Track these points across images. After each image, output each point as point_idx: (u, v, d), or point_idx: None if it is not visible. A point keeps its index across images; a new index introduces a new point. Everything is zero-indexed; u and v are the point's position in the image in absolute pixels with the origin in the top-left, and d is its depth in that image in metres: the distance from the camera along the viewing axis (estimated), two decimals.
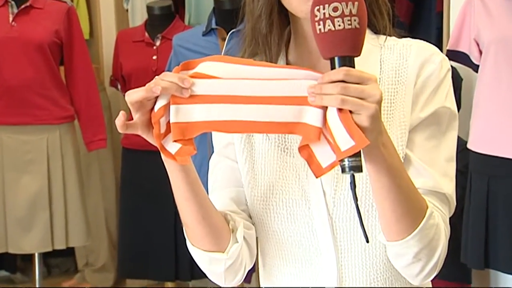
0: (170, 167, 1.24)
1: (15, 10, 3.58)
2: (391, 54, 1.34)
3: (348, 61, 1.12)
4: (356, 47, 1.12)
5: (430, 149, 1.31)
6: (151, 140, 1.19)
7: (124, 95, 4.02)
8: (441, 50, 3.33)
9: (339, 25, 1.10)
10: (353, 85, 1.07)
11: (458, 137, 3.17)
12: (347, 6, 1.10)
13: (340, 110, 1.08)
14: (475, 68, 3.00)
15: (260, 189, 1.37)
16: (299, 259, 1.38)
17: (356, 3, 1.11)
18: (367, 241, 1.18)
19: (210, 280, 1.40)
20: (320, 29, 1.11)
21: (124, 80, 4.01)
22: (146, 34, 3.93)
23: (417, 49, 1.33)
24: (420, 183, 1.27)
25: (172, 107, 1.15)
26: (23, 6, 3.58)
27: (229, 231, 1.33)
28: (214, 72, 1.16)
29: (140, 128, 1.18)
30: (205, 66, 1.17)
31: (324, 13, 1.11)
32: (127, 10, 4.61)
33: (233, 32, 2.99)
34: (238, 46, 1.41)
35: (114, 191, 4.52)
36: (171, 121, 1.15)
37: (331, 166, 1.13)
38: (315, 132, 1.13)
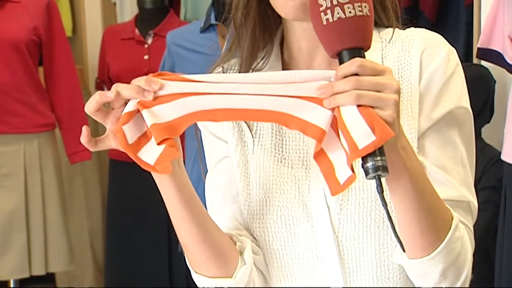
0: (161, 182, 1.24)
1: None
2: (393, 48, 1.35)
3: (358, 53, 1.12)
4: (367, 37, 1.13)
5: (448, 155, 1.30)
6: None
7: None
8: (471, 48, 3.36)
9: (350, 12, 1.11)
10: (368, 77, 1.08)
11: (491, 147, 3.16)
12: None
13: (359, 105, 1.07)
14: (510, 68, 3.00)
15: (256, 205, 1.36)
16: (302, 283, 1.37)
17: None
18: (404, 251, 1.17)
19: None
20: (327, 19, 1.12)
21: (112, 83, 4.01)
22: (137, 30, 3.95)
23: (420, 40, 1.33)
24: (443, 193, 1.26)
25: (144, 112, 1.15)
26: None
27: (236, 253, 1.31)
28: (193, 77, 1.16)
29: (113, 140, 1.18)
30: (183, 75, 1.18)
31: (331, 1, 1.11)
32: (114, 4, 4.64)
33: None
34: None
35: (100, 208, 4.52)
36: (149, 124, 1.15)
37: (349, 182, 1.12)
38: (316, 132, 1.12)
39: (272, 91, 1.14)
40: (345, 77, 1.09)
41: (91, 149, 1.20)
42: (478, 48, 3.08)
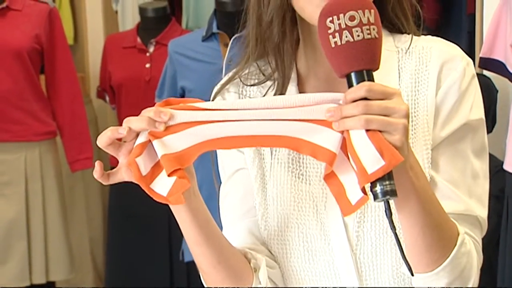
0: (176, 209, 1.23)
1: None
2: (409, 59, 1.34)
3: (367, 76, 1.12)
4: (376, 59, 1.13)
5: (457, 168, 1.31)
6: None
7: (113, 108, 4.02)
8: (473, 58, 3.35)
9: (358, 36, 1.11)
10: (377, 102, 1.08)
11: (493, 157, 3.15)
12: (364, 14, 1.11)
13: (368, 130, 1.07)
14: None
15: (274, 222, 1.35)
16: None
17: (372, 10, 1.12)
18: (412, 275, 1.16)
19: None
20: (335, 42, 1.11)
21: (113, 91, 4.02)
22: (138, 39, 3.95)
23: (438, 53, 1.33)
24: (450, 207, 1.27)
25: (155, 142, 1.15)
26: None
27: (250, 272, 1.31)
28: (202, 105, 1.16)
29: (125, 173, 1.19)
30: (191, 103, 1.17)
31: (339, 24, 1.11)
32: (116, 12, 4.63)
33: (236, 38, 2.99)
34: (240, 53, 1.41)
35: (101, 217, 4.52)
36: (159, 155, 1.15)
37: (361, 203, 1.12)
38: (327, 156, 1.12)
39: (281, 116, 1.13)
40: (354, 101, 1.09)
41: (104, 183, 1.20)
42: (480, 58, 3.08)
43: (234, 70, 1.40)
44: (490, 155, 3.14)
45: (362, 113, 1.07)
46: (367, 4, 1.13)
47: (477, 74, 3.13)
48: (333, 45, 1.12)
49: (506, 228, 2.97)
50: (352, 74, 1.12)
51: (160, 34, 3.91)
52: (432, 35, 1.40)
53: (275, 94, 1.35)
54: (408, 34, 1.36)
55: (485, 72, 3.15)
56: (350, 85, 1.12)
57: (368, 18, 1.11)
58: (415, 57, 1.34)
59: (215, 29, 3.24)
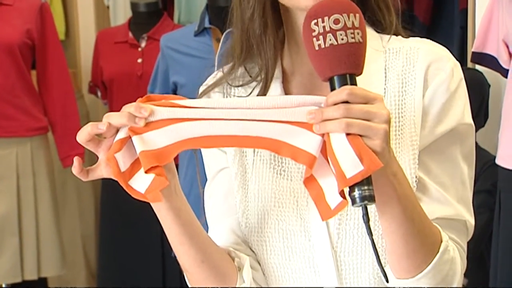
0: (157, 208, 1.23)
1: None
2: (396, 59, 1.33)
3: (350, 80, 1.12)
4: (359, 64, 1.12)
5: (447, 172, 1.30)
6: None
7: (105, 103, 4.02)
8: (466, 53, 3.37)
9: (342, 39, 1.10)
10: (358, 106, 1.07)
11: (486, 151, 3.16)
12: (349, 18, 1.11)
13: (348, 134, 1.07)
14: (505, 72, 3.00)
15: (254, 218, 1.34)
16: None
17: (357, 15, 1.12)
18: (387, 281, 1.16)
19: None
20: (319, 45, 1.11)
21: (105, 86, 4.03)
22: (130, 34, 3.95)
23: (425, 53, 1.32)
24: (440, 211, 1.27)
25: (134, 138, 1.14)
26: None
27: (235, 270, 1.30)
28: (183, 102, 1.15)
29: (104, 169, 1.18)
30: (173, 100, 1.17)
31: (323, 27, 1.11)
32: (108, 7, 4.63)
33: (228, 32, 2.99)
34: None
35: (93, 213, 4.52)
36: (138, 151, 1.14)
37: (340, 207, 1.11)
38: (307, 158, 1.12)
39: (263, 116, 1.13)
40: (336, 104, 1.08)
41: (83, 179, 1.20)
42: (473, 52, 3.09)
43: (221, 75, 1.39)
44: (483, 150, 3.16)
45: (342, 116, 1.07)
46: (352, 8, 1.12)
47: (470, 68, 3.16)
48: (317, 48, 1.12)
49: (498, 222, 2.98)
50: (335, 78, 1.12)
51: (152, 29, 3.91)
52: (425, 32, 1.39)
53: (259, 91, 1.35)
54: (389, 30, 1.35)
55: (478, 67, 3.16)
56: (332, 88, 1.12)
57: (353, 22, 1.11)
58: (402, 57, 1.32)
59: (207, 24, 3.24)
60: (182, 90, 3.27)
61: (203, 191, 1.43)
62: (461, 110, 1.31)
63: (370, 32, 1.33)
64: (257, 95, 1.34)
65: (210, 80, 1.41)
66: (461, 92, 1.31)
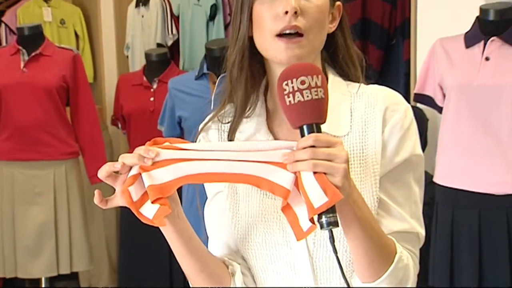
0: (164, 230, 1.22)
1: (26, 58, 3.59)
2: (360, 102, 1.31)
3: (316, 128, 1.11)
4: (322, 115, 1.12)
5: (403, 194, 1.28)
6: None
7: (124, 133, 3.98)
8: (409, 94, 3.38)
9: (308, 96, 1.10)
10: (322, 149, 1.06)
11: (426, 172, 3.17)
12: (312, 79, 1.10)
13: (315, 172, 1.07)
14: (439, 110, 3.01)
15: (244, 231, 1.32)
16: None
17: (319, 76, 1.11)
18: None
19: None
20: (290, 101, 1.11)
21: (124, 119, 4.01)
22: (144, 78, 3.94)
23: (383, 98, 1.30)
24: (397, 226, 1.26)
25: (144, 175, 1.14)
26: (33, 54, 3.60)
27: (228, 276, 1.29)
28: (182, 146, 1.15)
29: (120, 199, 1.17)
30: (175, 143, 1.16)
31: (292, 87, 1.10)
32: (127, 57, 4.63)
33: (222, 77, 2.98)
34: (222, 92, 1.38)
35: (115, 220, 4.49)
36: (146, 185, 1.13)
37: (310, 230, 1.10)
38: (282, 192, 1.11)
39: (246, 158, 1.13)
40: (304, 148, 1.08)
41: (103, 207, 1.20)
42: (415, 94, 3.10)
43: (213, 112, 1.37)
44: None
45: (310, 158, 1.06)
46: (315, 70, 1.12)
47: (412, 106, 3.16)
48: (288, 103, 1.11)
49: (435, 228, 2.98)
50: (304, 126, 1.11)
51: (162, 74, 3.90)
52: (376, 78, 1.39)
53: (231, 124, 1.33)
54: (355, 81, 1.34)
55: (418, 105, 3.17)
56: (302, 135, 1.11)
57: (316, 82, 1.11)
58: (365, 100, 1.31)
59: (205, 70, 3.24)
60: (185, 122, 3.26)
61: (202, 211, 1.41)
62: (413, 144, 1.30)
63: (339, 80, 1.34)
64: (231, 126, 1.33)
65: (207, 120, 1.39)
66: (413, 129, 1.30)
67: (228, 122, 1.35)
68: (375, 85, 1.35)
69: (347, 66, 1.34)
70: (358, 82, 1.34)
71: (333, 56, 1.35)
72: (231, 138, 1.33)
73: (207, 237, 1.38)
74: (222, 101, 1.35)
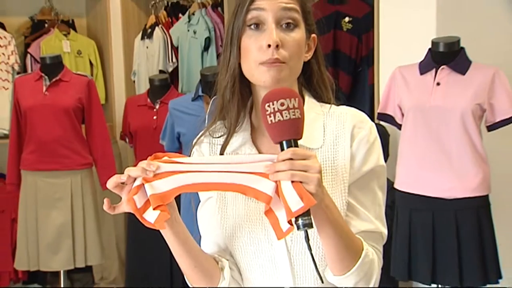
0: (164, 232, 1.22)
1: (48, 83, 3.59)
2: (331, 120, 1.30)
3: (293, 143, 1.11)
4: (299, 132, 1.12)
5: (369, 199, 1.28)
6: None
7: (131, 147, 3.94)
8: (373, 113, 3.39)
9: (286, 116, 1.10)
10: (299, 161, 1.07)
11: (387, 179, 3.18)
12: (291, 101, 1.10)
13: (292, 181, 1.07)
14: (399, 126, 3.03)
15: (231, 230, 1.31)
16: (264, 284, 1.32)
17: (297, 98, 1.11)
18: (322, 282, 1.15)
19: None
20: (271, 120, 1.11)
21: (131, 135, 4.00)
22: (148, 99, 3.94)
23: (351, 116, 1.30)
24: (364, 226, 1.26)
25: (146, 185, 1.13)
26: (54, 80, 3.60)
27: (218, 271, 1.29)
28: (179, 159, 1.15)
29: (126, 206, 1.16)
30: (173, 157, 1.16)
31: (274, 108, 1.10)
32: (134, 82, 4.63)
33: (214, 99, 2.99)
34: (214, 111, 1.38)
35: (123, 222, 4.48)
36: (148, 195, 1.13)
37: (289, 231, 1.10)
38: (265, 198, 1.11)
39: (234, 169, 1.13)
40: (284, 160, 1.08)
41: (111, 213, 1.19)
42: (378, 113, 3.11)
43: (206, 127, 1.36)
44: None
45: (288, 169, 1.07)
46: (293, 94, 1.12)
47: (376, 124, 3.17)
48: (269, 122, 1.11)
49: (396, 227, 2.99)
50: (283, 142, 1.11)
51: (163, 96, 3.90)
52: (345, 100, 1.39)
53: (226, 137, 1.32)
54: (327, 102, 1.34)
55: (382, 122, 3.19)
56: (282, 149, 1.11)
57: (294, 104, 1.11)
58: (336, 119, 1.30)
59: (200, 93, 3.24)
60: (183, 137, 3.26)
61: (196, 212, 1.41)
62: (377, 156, 1.29)
63: (313, 102, 1.33)
64: (224, 141, 1.32)
65: (200, 134, 1.38)
66: (377, 143, 1.30)
67: (219, 137, 1.33)
68: (344, 106, 1.34)
69: (321, 89, 1.34)
70: (330, 103, 1.34)
71: (309, 81, 1.34)
72: (222, 152, 1.32)
73: (200, 237, 1.38)
74: (213, 118, 1.35)
